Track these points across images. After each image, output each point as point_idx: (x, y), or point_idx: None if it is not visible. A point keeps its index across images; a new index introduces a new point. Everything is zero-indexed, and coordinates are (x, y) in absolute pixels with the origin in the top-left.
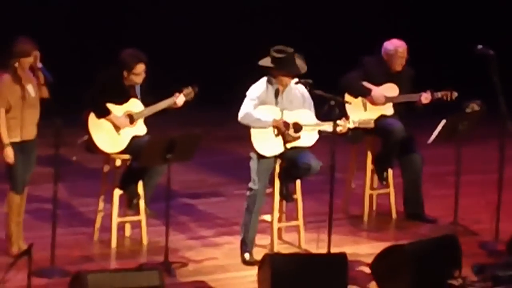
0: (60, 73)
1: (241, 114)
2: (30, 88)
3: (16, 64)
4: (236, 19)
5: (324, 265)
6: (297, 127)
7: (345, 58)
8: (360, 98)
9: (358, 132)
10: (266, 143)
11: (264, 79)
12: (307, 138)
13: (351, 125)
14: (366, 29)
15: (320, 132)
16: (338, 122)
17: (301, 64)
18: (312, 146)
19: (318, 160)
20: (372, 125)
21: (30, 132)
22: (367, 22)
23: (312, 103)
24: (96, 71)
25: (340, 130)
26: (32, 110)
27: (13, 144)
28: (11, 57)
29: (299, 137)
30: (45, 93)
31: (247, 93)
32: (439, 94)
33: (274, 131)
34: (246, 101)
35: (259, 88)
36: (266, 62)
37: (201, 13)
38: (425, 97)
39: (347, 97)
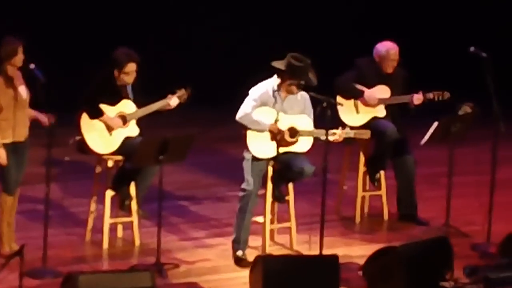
0: (53, 73)
1: (239, 114)
2: (22, 90)
3: (7, 67)
4: (233, 20)
5: (316, 266)
6: (293, 132)
7: (339, 59)
8: (352, 100)
9: None
10: (261, 145)
11: (269, 80)
12: (302, 144)
13: (346, 135)
14: (361, 30)
15: (315, 139)
16: (335, 131)
17: (312, 77)
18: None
19: (311, 164)
20: (368, 136)
21: (22, 133)
22: (362, 23)
23: (312, 111)
24: (89, 71)
25: (336, 139)
26: (24, 111)
27: (5, 145)
28: (1, 62)
29: (294, 142)
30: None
31: (250, 92)
32: (430, 95)
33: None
34: (247, 101)
35: (262, 88)
36: (279, 65)
37: (198, 13)
38: (417, 98)
39: (339, 99)
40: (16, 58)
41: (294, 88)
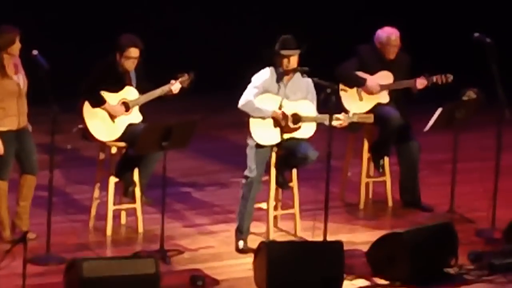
0: (56, 60)
1: (242, 101)
2: (20, 78)
3: (3, 56)
4: (235, 6)
5: (320, 253)
6: (296, 118)
7: (340, 47)
8: (355, 88)
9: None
10: (265, 132)
11: (270, 68)
12: (305, 130)
13: (350, 120)
14: (362, 16)
15: (318, 124)
16: (339, 116)
17: (299, 43)
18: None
19: (315, 150)
20: (371, 120)
21: (23, 120)
22: (363, 9)
23: (315, 96)
24: (92, 58)
25: (340, 124)
26: (22, 99)
27: (2, 133)
28: None
29: (298, 128)
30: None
31: (252, 79)
32: (434, 78)
33: (273, 121)
34: (249, 88)
35: (264, 75)
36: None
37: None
38: (420, 83)
39: (342, 86)
40: (13, 47)
41: (289, 62)
